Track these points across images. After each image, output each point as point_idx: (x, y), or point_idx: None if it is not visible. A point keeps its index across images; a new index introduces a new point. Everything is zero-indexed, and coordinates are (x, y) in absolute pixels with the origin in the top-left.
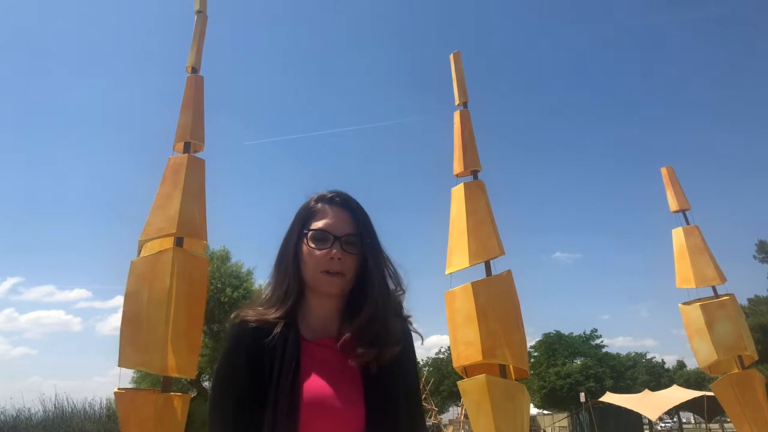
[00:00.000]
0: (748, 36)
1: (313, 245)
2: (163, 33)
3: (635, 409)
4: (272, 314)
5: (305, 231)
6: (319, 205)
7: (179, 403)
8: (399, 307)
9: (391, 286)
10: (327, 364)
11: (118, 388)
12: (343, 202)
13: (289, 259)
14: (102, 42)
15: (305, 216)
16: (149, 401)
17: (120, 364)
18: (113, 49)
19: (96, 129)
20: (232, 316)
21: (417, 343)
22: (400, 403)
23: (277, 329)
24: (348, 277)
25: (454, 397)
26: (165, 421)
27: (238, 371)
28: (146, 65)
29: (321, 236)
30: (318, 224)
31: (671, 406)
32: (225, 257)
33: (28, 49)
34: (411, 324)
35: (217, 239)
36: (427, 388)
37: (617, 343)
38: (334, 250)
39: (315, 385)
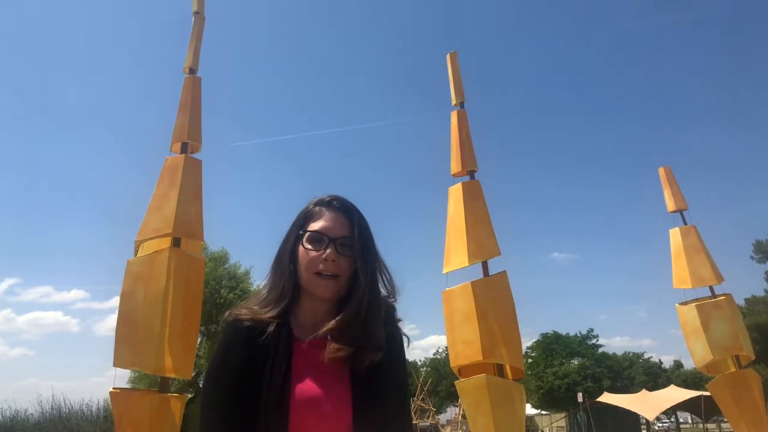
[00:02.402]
0: (745, 36)
1: (309, 246)
2: (159, 34)
3: (633, 409)
4: (267, 314)
5: (301, 233)
6: (317, 208)
7: (175, 403)
8: (391, 312)
9: (383, 291)
10: (317, 365)
11: (114, 388)
12: (340, 206)
13: (286, 261)
14: (98, 42)
15: (303, 218)
16: (144, 401)
17: (115, 364)
18: (109, 50)
19: (93, 129)
20: (226, 314)
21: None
22: (388, 405)
23: (271, 328)
24: (342, 280)
25: (452, 397)
26: (160, 422)
27: (230, 367)
28: (142, 66)
29: (316, 238)
30: (314, 226)
31: (668, 406)
32: (223, 258)
33: (22, 50)
34: (400, 328)
35: (214, 240)
36: (425, 389)
37: (615, 343)
38: (328, 251)
39: (305, 384)
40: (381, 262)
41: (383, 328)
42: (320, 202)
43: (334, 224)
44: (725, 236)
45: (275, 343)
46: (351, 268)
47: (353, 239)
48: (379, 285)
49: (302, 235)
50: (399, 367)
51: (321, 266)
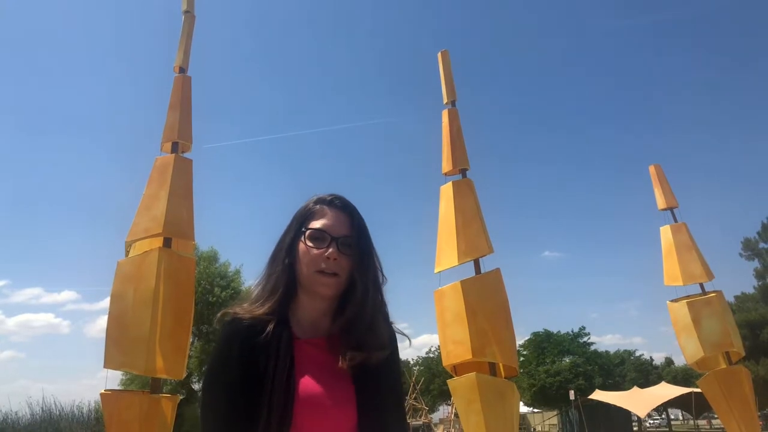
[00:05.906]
0: (740, 36)
1: (310, 244)
2: (149, 33)
3: (624, 407)
4: (259, 310)
5: (303, 230)
6: (318, 206)
7: (167, 404)
8: (386, 311)
9: (380, 291)
10: (319, 364)
11: (105, 390)
12: (341, 205)
13: (282, 255)
14: (87, 43)
15: (304, 216)
16: (135, 402)
17: (105, 366)
18: (99, 50)
19: (83, 129)
20: (220, 314)
21: (405, 344)
22: (389, 403)
23: (270, 327)
24: (342, 278)
25: (445, 396)
26: (151, 423)
27: (230, 368)
28: (133, 66)
29: (319, 235)
30: (316, 224)
31: (659, 403)
32: (213, 258)
33: (10, 52)
34: (394, 328)
35: (204, 240)
36: (418, 388)
37: (606, 341)
38: (331, 250)
39: (308, 383)
40: (378, 261)
41: (386, 328)
42: (321, 200)
43: (335, 223)
44: (714, 234)
45: (276, 341)
46: (351, 267)
47: (354, 239)
48: (378, 283)
49: (303, 232)
50: (396, 365)
51: (323, 264)
